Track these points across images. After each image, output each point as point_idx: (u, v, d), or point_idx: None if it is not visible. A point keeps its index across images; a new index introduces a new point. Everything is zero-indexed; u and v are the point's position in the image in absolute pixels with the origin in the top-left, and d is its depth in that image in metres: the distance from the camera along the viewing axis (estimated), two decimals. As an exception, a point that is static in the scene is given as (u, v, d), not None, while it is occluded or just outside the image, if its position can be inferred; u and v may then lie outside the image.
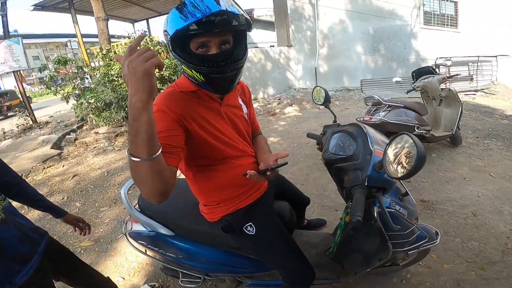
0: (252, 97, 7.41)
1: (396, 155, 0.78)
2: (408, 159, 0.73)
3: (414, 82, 3.31)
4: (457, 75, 4.03)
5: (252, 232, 1.09)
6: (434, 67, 3.46)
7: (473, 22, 7.28)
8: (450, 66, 4.26)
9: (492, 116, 4.48)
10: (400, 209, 1.09)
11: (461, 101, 3.16)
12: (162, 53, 5.86)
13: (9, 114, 13.16)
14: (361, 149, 0.98)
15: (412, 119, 2.86)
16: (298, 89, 7.44)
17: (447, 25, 7.62)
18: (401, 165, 0.76)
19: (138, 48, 0.63)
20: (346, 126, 1.15)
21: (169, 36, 0.80)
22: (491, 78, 6.86)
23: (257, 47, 7.85)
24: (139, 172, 0.68)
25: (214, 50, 0.82)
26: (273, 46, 8.47)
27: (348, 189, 0.93)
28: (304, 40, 7.57)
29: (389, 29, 7.41)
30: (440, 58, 6.48)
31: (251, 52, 6.82)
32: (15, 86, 10.70)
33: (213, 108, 0.96)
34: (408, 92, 3.27)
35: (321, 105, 1.37)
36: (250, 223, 1.09)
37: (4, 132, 6.97)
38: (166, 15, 0.85)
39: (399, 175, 0.73)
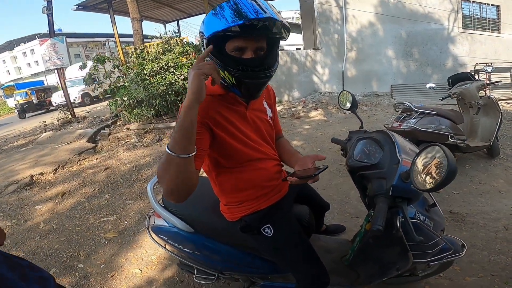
0: (277, 99, 7.45)
1: (425, 165, 0.74)
2: (438, 170, 0.69)
3: (450, 89, 3.12)
4: (498, 82, 3.73)
5: (270, 234, 1.09)
6: (472, 73, 3.24)
7: None
8: (491, 72, 3.94)
9: (536, 127, 4.11)
10: (425, 220, 1.04)
11: (501, 110, 2.93)
12: (192, 53, 6.02)
13: (50, 108, 14.27)
14: (387, 158, 0.94)
15: (446, 128, 2.68)
16: (324, 93, 7.32)
17: (488, 29, 7.14)
18: (429, 176, 0.72)
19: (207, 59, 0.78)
20: (373, 133, 1.10)
21: (205, 36, 0.82)
22: None
23: (283, 49, 7.84)
24: (169, 167, 0.75)
25: (249, 55, 0.83)
26: (300, 48, 8.41)
27: (371, 197, 0.90)
28: (331, 43, 7.44)
29: (424, 33, 7.06)
30: (479, 63, 6.06)
31: (276, 55, 6.83)
32: (57, 82, 11.61)
33: (239, 112, 0.97)
34: (443, 99, 3.10)
35: (347, 110, 1.33)
36: (269, 225, 1.09)
37: (46, 125, 7.56)
38: (198, 16, 0.88)
39: (427, 187, 0.69)
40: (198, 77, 0.74)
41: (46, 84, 21.24)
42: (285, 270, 1.28)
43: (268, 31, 0.83)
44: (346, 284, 1.34)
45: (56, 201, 3.17)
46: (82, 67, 7.08)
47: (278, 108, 6.50)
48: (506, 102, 5.68)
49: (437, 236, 1.09)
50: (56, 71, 7.72)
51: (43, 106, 14.67)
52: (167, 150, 0.74)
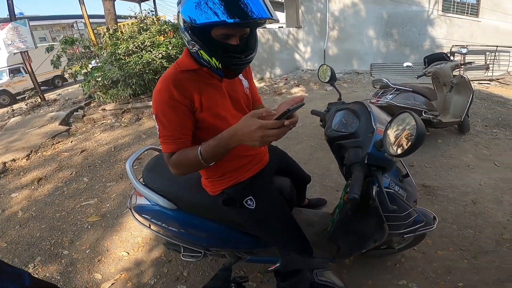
0: (259, 76, 7.45)
1: (396, 137, 0.77)
2: (408, 142, 0.72)
3: (426, 68, 3.22)
4: (471, 62, 3.89)
5: (252, 206, 1.11)
6: (448, 54, 3.34)
7: (495, 12, 6.93)
8: (466, 54, 4.09)
9: (505, 106, 4.33)
10: (399, 190, 1.09)
11: (472, 89, 3.07)
12: (169, 32, 5.82)
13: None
14: (363, 127, 0.97)
15: (420, 104, 2.82)
16: (306, 70, 7.34)
17: (467, 13, 7.30)
18: (400, 148, 0.75)
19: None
20: (350, 104, 1.13)
21: (197, 22, 0.78)
22: (508, 68, 6.59)
23: (265, 27, 7.67)
24: (194, 167, 0.91)
25: (234, 41, 0.83)
26: (282, 27, 8.26)
27: (348, 166, 0.93)
28: (313, 21, 7.35)
29: (404, 15, 7.13)
30: (456, 46, 6.24)
31: (259, 33, 6.74)
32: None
33: (214, 85, 0.97)
34: (418, 77, 3.20)
35: (326, 82, 1.35)
36: (250, 197, 1.11)
37: (13, 110, 7.09)
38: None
39: (397, 153, 0.73)
40: (261, 144, 0.75)
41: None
42: (269, 243, 1.31)
43: (261, 25, 0.86)
44: (328, 256, 1.39)
45: (32, 187, 3.03)
46: (49, 49, 6.66)
47: (260, 85, 6.47)
48: (478, 83, 5.94)
49: (410, 207, 1.15)
50: (21, 54, 7.23)
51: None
52: (201, 159, 0.85)
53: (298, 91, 5.77)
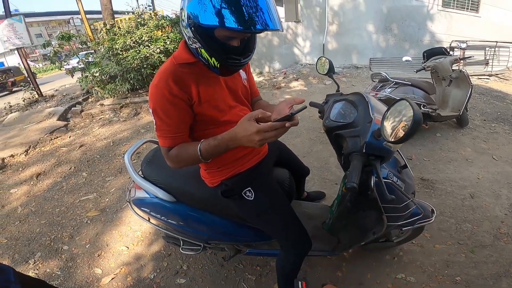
0: (258, 71, 7.43)
1: (394, 122, 0.77)
2: (405, 126, 0.72)
3: (425, 62, 3.21)
4: (470, 57, 3.88)
5: (251, 198, 1.10)
6: (447, 49, 3.33)
7: (496, 7, 6.89)
8: (465, 49, 4.06)
9: (503, 101, 4.32)
10: (397, 181, 1.09)
11: (471, 83, 3.06)
12: (167, 27, 5.81)
13: (14, 89, 13.23)
14: (361, 117, 0.97)
15: (419, 97, 2.82)
16: (305, 65, 7.33)
17: (467, 8, 7.23)
18: (397, 130, 0.75)
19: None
20: (348, 95, 1.13)
21: (201, 23, 0.77)
22: (507, 64, 6.57)
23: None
24: (192, 162, 0.94)
25: (236, 43, 0.84)
26: (281, 21, 8.28)
27: (346, 156, 0.93)
28: (312, 16, 7.32)
29: (404, 9, 7.09)
30: (455, 41, 6.21)
31: (258, 27, 6.73)
32: (19, 63, 10.68)
33: (212, 77, 0.96)
34: (417, 71, 3.19)
35: (325, 75, 1.35)
36: (249, 188, 1.11)
37: (11, 106, 7.05)
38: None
39: (394, 139, 0.73)
40: (260, 145, 0.78)
41: (6, 65, 19.43)
42: (268, 236, 1.31)
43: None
44: (327, 249, 1.39)
45: (31, 183, 3.03)
46: (46, 45, 6.63)
47: (259, 79, 6.45)
48: (478, 78, 5.92)
49: (408, 198, 1.14)
50: (17, 51, 7.22)
51: (5, 88, 13.58)
52: (200, 156, 0.89)
53: (297, 85, 5.76)
